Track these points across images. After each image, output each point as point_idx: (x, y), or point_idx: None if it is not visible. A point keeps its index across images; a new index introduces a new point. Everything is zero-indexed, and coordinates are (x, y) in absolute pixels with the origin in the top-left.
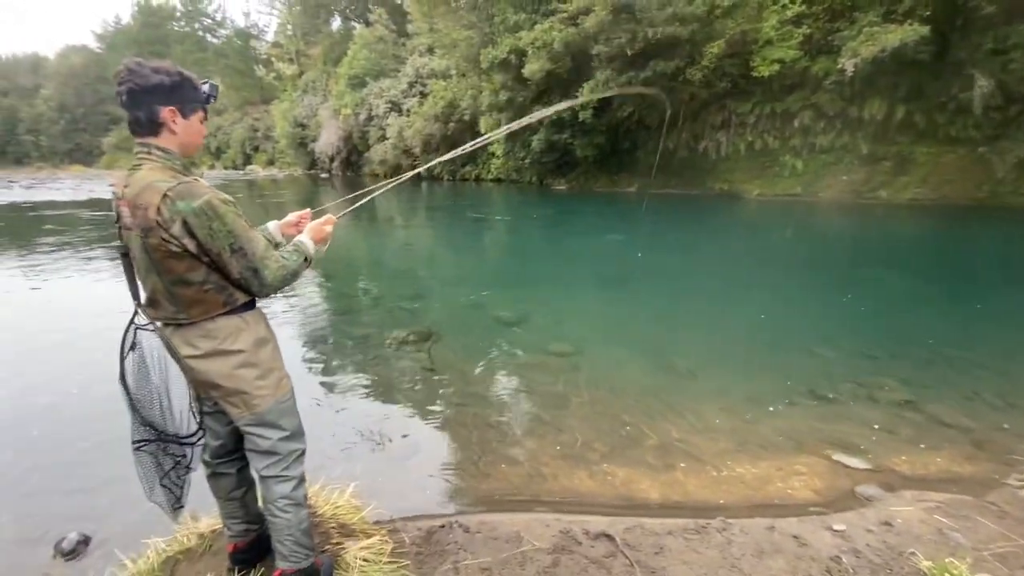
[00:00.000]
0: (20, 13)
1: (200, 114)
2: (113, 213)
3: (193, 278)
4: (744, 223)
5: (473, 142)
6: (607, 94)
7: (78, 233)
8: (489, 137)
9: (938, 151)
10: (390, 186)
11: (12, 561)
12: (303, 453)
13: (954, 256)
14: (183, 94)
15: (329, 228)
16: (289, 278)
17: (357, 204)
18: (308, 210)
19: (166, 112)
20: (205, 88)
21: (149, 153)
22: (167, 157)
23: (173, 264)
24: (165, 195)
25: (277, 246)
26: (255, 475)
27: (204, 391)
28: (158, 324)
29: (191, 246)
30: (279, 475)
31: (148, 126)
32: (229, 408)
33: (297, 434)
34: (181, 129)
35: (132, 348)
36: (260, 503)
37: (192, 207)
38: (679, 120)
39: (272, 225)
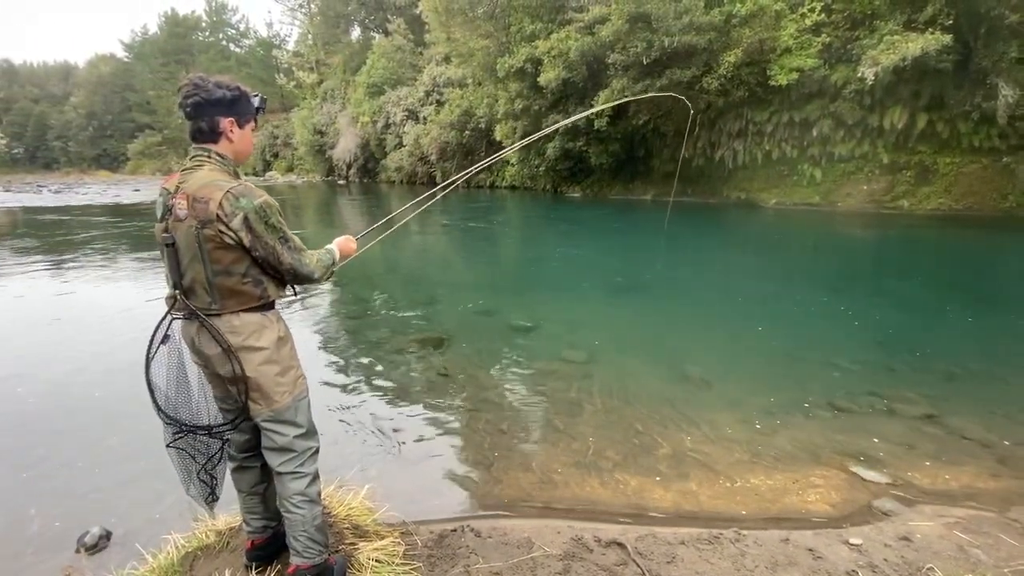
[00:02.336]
0: (30, 15)
1: (252, 124)
2: (159, 209)
3: (236, 269)
4: (761, 232)
5: (498, 153)
6: (627, 100)
7: (105, 235)
8: (518, 145)
9: (961, 161)
10: (426, 206)
11: (37, 554)
12: (317, 451)
13: (978, 268)
14: (240, 107)
15: (353, 245)
16: (322, 269)
17: (392, 228)
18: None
19: (226, 122)
20: (256, 101)
21: (209, 157)
22: (224, 162)
23: (222, 255)
24: (229, 192)
25: None
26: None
27: (223, 388)
28: (189, 314)
29: (246, 239)
30: (294, 471)
31: (209, 135)
32: (249, 404)
33: (311, 432)
34: (237, 138)
35: (164, 341)
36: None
37: (254, 204)
38: (696, 128)
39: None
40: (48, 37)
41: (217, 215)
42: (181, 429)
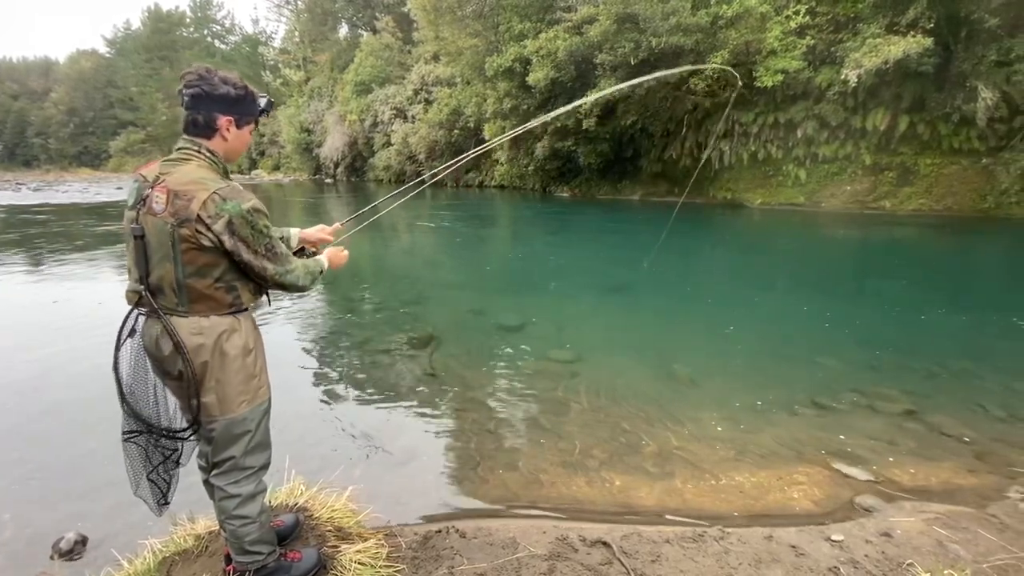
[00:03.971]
0: (10, 11)
1: (251, 126)
2: (132, 196)
3: (211, 272)
4: (747, 232)
5: (484, 145)
6: (678, 72)
7: (81, 235)
8: (511, 133)
9: (942, 162)
10: (405, 198)
11: (10, 560)
12: (262, 469)
13: (958, 267)
14: (243, 107)
15: (345, 254)
16: (309, 278)
17: (373, 217)
18: (336, 225)
19: (223, 120)
20: (262, 103)
21: (199, 151)
22: (213, 159)
23: (196, 256)
24: (215, 192)
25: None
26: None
27: (181, 393)
28: (154, 311)
29: (228, 243)
30: (226, 490)
31: (204, 129)
32: (204, 408)
33: (263, 446)
34: (232, 138)
35: (131, 334)
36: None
37: (241, 208)
38: (683, 129)
39: (294, 231)
40: (28, 33)
41: (199, 215)
42: (137, 428)
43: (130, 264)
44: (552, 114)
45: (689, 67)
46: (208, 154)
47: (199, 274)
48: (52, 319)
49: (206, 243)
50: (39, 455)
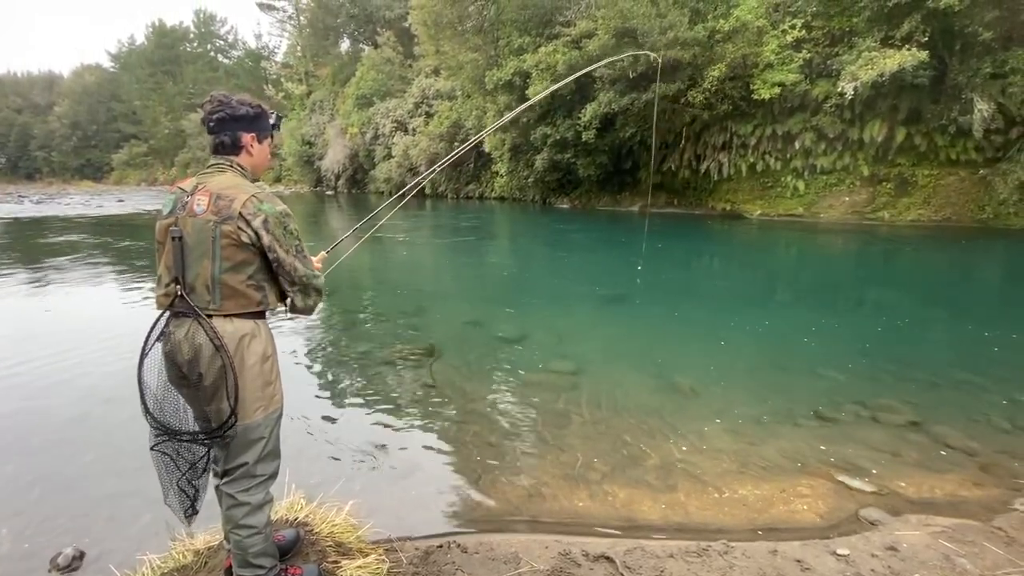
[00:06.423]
0: (15, 25)
1: (269, 140)
2: (168, 205)
3: (245, 269)
4: (746, 243)
5: (474, 138)
6: (599, 65)
7: (83, 248)
8: (503, 120)
9: (939, 173)
10: (397, 207)
11: (7, 575)
12: (271, 478)
13: (958, 278)
14: (261, 123)
15: None
16: (323, 291)
17: (369, 232)
18: (321, 254)
19: (247, 137)
20: (272, 118)
21: (231, 166)
22: (244, 172)
23: (234, 252)
24: (254, 195)
25: None
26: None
27: (197, 399)
28: (187, 310)
29: (266, 239)
30: (237, 498)
31: (231, 148)
32: (221, 415)
33: (274, 454)
34: (256, 152)
35: (160, 337)
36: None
37: (276, 210)
38: (681, 141)
39: None
40: (33, 48)
41: (240, 213)
42: (165, 432)
43: (162, 270)
44: (538, 96)
45: (611, 58)
46: (239, 168)
47: (234, 270)
48: (47, 329)
49: (245, 239)
50: (36, 469)
